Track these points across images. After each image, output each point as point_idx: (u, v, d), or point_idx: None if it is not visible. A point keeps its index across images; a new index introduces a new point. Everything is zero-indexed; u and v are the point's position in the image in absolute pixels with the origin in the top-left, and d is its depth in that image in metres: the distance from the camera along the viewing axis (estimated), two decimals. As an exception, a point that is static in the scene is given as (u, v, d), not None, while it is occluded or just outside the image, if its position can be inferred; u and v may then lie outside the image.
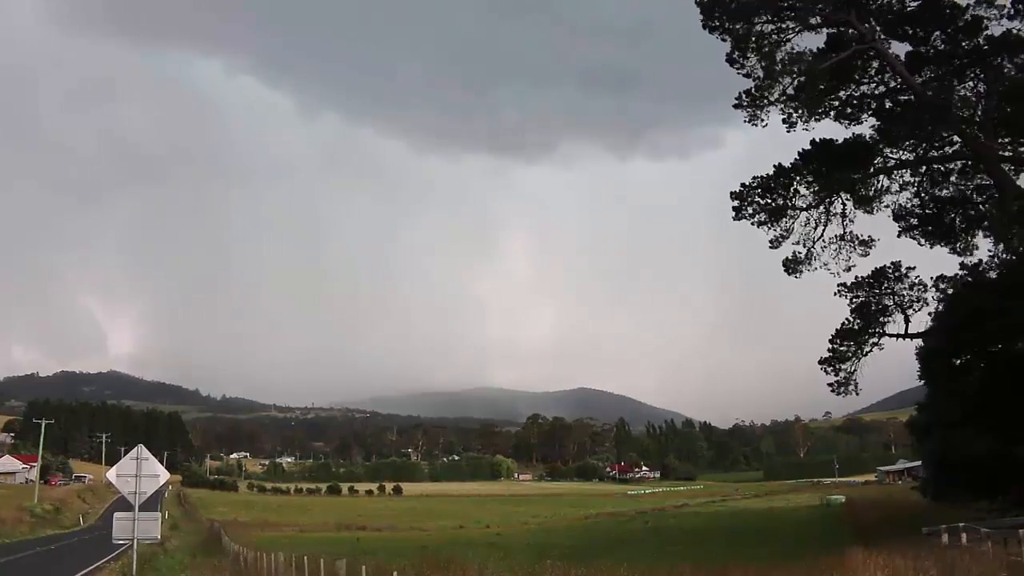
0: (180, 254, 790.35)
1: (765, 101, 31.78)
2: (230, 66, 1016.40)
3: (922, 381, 33.22)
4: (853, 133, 33.02)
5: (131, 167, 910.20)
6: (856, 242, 33.53)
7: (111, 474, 21.21)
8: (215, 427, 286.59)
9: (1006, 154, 30.90)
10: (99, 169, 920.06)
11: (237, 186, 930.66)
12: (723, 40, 31.91)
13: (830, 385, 33.55)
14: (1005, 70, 29.67)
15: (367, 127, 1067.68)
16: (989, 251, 32.30)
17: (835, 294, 34.04)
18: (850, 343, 33.19)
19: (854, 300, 33.61)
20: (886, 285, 33.10)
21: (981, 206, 32.33)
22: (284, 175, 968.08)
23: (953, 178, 32.85)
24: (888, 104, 32.58)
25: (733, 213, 32.97)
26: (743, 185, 32.96)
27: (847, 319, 33.54)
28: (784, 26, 31.17)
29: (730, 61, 32.04)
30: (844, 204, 33.36)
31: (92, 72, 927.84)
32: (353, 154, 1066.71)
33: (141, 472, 20.50)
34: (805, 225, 33.15)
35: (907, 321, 32.74)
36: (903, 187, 33.37)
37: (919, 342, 32.28)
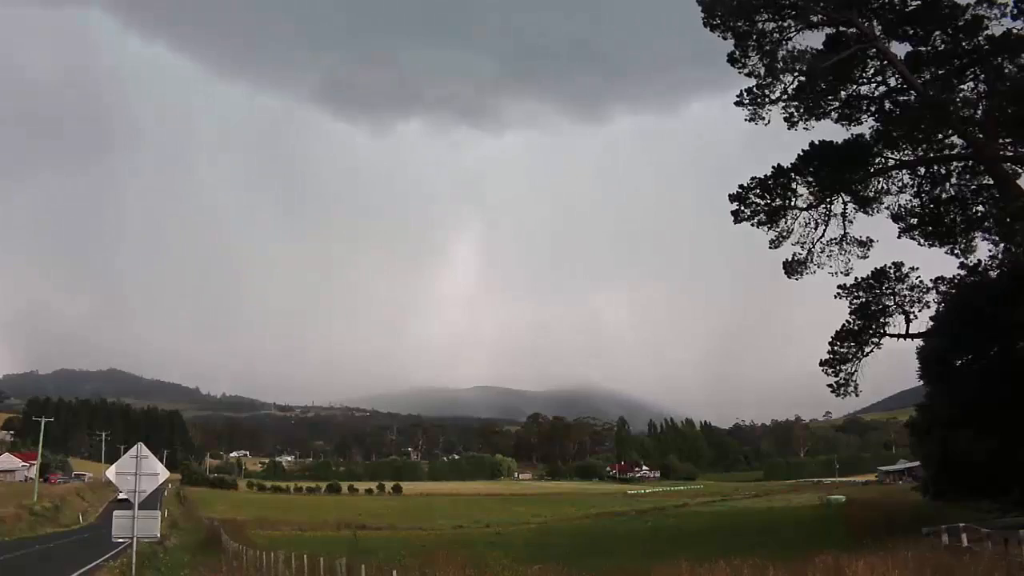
0: (182, 249, 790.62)
1: (766, 100, 31.78)
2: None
3: (922, 381, 33.25)
4: (853, 133, 33.05)
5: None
6: (856, 243, 33.51)
7: (111, 472, 21.20)
8: (215, 425, 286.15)
9: (1007, 154, 30.85)
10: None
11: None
12: (724, 39, 31.94)
13: (830, 386, 33.55)
14: (1006, 70, 29.62)
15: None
16: (989, 251, 32.33)
17: (835, 295, 34.07)
18: (851, 343, 33.17)
19: (855, 301, 33.60)
20: (887, 285, 33.10)
21: (981, 206, 32.30)
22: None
23: (953, 179, 32.80)
24: (888, 104, 32.55)
25: (732, 217, 32.96)
26: (741, 186, 32.94)
27: (848, 320, 33.55)
28: (786, 24, 31.20)
29: (731, 60, 32.04)
30: (844, 205, 33.34)
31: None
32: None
33: (140, 470, 20.48)
34: (805, 226, 33.16)
35: (908, 321, 32.76)
36: (903, 188, 33.35)
37: (919, 342, 32.30)
